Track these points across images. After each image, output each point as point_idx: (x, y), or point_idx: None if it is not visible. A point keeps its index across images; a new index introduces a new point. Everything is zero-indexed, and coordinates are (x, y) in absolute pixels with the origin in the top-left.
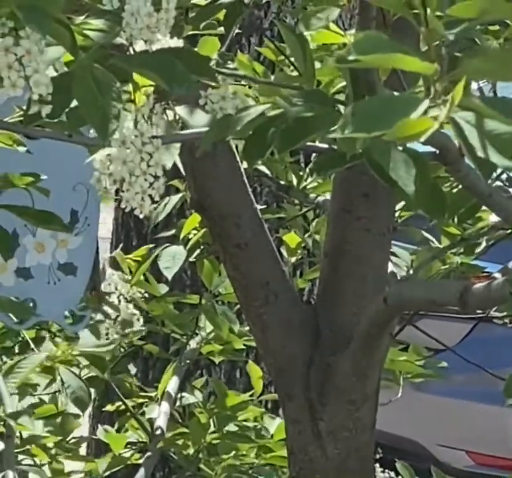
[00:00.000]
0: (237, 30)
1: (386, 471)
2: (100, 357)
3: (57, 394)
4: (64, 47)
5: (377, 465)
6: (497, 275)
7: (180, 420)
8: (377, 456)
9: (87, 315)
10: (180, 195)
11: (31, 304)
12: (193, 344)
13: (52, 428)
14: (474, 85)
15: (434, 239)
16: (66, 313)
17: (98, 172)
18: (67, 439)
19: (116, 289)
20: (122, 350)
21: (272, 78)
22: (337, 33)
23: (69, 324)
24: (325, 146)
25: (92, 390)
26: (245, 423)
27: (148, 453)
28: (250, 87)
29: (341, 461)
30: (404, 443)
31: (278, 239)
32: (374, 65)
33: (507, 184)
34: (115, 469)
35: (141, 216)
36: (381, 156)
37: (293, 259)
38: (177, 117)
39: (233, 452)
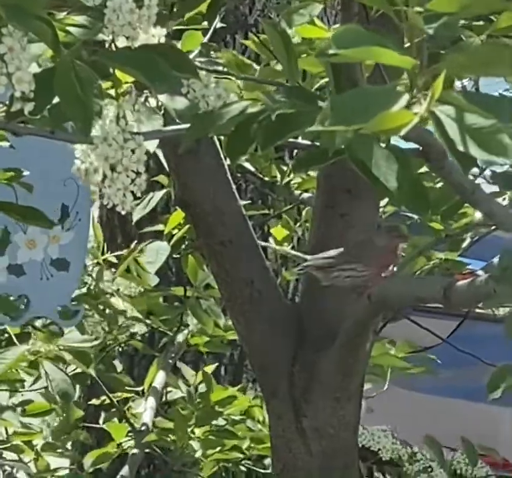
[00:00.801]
0: (222, 25)
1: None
2: (84, 352)
3: (44, 390)
4: (46, 44)
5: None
6: (481, 272)
7: (166, 415)
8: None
9: (80, 309)
10: (163, 191)
11: (25, 300)
12: (179, 338)
13: (44, 424)
14: (458, 83)
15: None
16: (59, 308)
17: (79, 161)
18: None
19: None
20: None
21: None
22: (322, 28)
23: (63, 320)
24: (308, 142)
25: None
26: (233, 417)
27: (134, 450)
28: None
29: (325, 458)
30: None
31: (264, 235)
32: (353, 59)
33: (490, 181)
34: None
35: (123, 213)
36: (363, 152)
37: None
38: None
39: (219, 447)
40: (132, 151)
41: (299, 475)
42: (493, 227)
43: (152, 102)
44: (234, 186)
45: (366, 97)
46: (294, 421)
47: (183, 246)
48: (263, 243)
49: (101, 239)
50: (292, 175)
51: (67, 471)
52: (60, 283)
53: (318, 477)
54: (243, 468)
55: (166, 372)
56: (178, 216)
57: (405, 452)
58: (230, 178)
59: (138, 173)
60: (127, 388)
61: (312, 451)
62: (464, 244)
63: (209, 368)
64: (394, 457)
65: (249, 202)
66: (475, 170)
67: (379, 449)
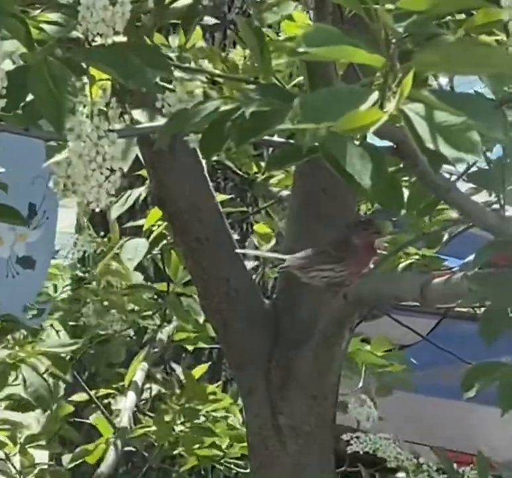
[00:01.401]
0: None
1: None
2: (62, 358)
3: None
4: (19, 41)
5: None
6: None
7: (146, 412)
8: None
9: (47, 308)
10: (142, 188)
11: None
12: (163, 335)
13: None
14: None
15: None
16: (25, 306)
17: (56, 176)
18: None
19: None
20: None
21: None
22: (307, 25)
23: (29, 318)
24: (283, 140)
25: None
26: (214, 414)
27: (112, 448)
28: (214, 83)
29: (301, 456)
30: None
31: (243, 233)
32: (323, 57)
33: (466, 179)
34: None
35: (97, 210)
36: (336, 150)
37: (267, 247)
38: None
39: (198, 445)
40: (106, 148)
41: (275, 473)
42: (470, 224)
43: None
44: (211, 184)
45: (336, 95)
46: (271, 418)
47: (164, 242)
48: (240, 251)
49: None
50: (272, 172)
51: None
52: (26, 281)
53: (294, 475)
54: (219, 466)
55: (147, 368)
56: (156, 212)
57: (412, 463)
58: (207, 175)
59: (112, 170)
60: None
61: (288, 448)
62: (442, 241)
63: (200, 369)
64: (400, 465)
65: (230, 196)
66: (452, 168)
67: (385, 458)
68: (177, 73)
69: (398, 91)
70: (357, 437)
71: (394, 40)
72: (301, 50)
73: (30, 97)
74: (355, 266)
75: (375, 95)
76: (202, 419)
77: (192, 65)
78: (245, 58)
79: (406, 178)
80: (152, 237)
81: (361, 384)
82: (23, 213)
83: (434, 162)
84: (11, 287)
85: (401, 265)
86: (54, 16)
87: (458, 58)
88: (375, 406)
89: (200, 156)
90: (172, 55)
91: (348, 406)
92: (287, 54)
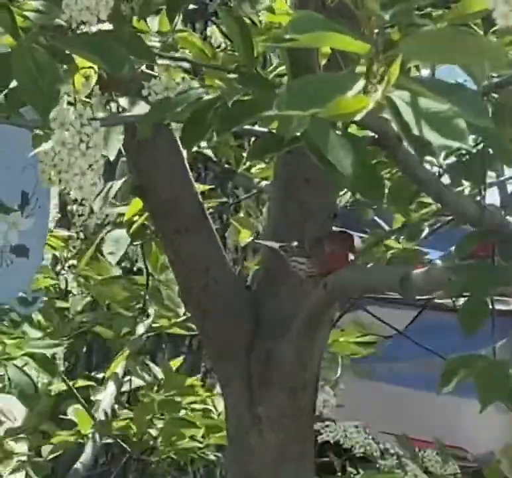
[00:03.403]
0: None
1: None
2: (50, 360)
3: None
4: (4, 29)
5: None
6: (438, 261)
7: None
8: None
9: (39, 296)
10: (122, 180)
11: None
12: (140, 329)
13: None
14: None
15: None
16: (18, 295)
17: (43, 164)
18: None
19: None
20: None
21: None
22: (288, 14)
23: (22, 307)
24: (264, 130)
25: None
26: (193, 405)
27: (90, 439)
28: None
29: (280, 447)
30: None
31: (223, 224)
32: (310, 44)
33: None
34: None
35: (79, 198)
36: (319, 138)
37: (244, 242)
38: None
39: (175, 437)
40: (89, 136)
41: (254, 464)
42: (450, 217)
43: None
44: (191, 174)
45: (322, 82)
46: (250, 410)
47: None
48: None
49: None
50: (253, 162)
51: (25, 458)
52: (20, 269)
53: (273, 466)
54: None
55: (128, 360)
56: (137, 203)
57: (377, 448)
58: (187, 165)
59: (95, 159)
60: (86, 375)
61: (268, 439)
62: (423, 234)
63: (178, 362)
64: (368, 452)
65: (211, 187)
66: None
67: (352, 446)
68: (161, 61)
69: (386, 78)
70: (327, 426)
71: (376, 30)
72: (288, 36)
73: (12, 85)
74: (324, 269)
75: (361, 83)
76: (182, 412)
77: (174, 53)
78: (224, 48)
79: (386, 171)
80: (133, 227)
81: (338, 374)
82: (16, 202)
83: (419, 150)
84: (5, 276)
85: (382, 258)
86: (37, 3)
87: (444, 47)
88: (333, 394)
89: (180, 146)
90: (156, 43)
91: None
92: (273, 41)
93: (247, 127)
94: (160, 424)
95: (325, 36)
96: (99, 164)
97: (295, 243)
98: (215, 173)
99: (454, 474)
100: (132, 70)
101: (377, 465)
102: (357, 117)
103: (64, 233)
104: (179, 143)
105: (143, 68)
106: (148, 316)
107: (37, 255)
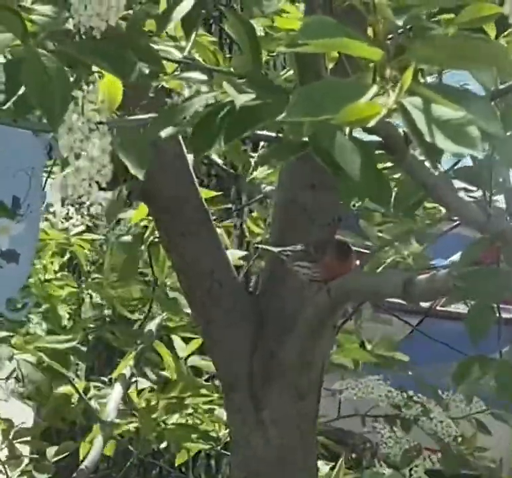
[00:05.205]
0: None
1: None
2: (61, 352)
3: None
4: (14, 34)
5: None
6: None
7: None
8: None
9: (29, 302)
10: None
11: None
12: (152, 326)
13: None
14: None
15: None
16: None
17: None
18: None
19: None
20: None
21: None
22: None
23: (11, 312)
24: (271, 134)
25: None
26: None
27: (95, 441)
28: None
29: (284, 451)
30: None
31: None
32: (322, 49)
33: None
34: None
35: (88, 203)
36: (327, 141)
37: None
38: None
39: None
40: (97, 141)
41: (258, 468)
42: (456, 223)
43: None
44: (198, 180)
45: (334, 88)
46: (254, 413)
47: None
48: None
49: None
50: (258, 168)
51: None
52: (10, 274)
53: (277, 470)
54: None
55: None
56: (142, 209)
57: (401, 398)
58: (192, 170)
59: (103, 164)
60: (92, 377)
61: (271, 443)
62: (430, 239)
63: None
64: (392, 403)
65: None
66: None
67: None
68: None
69: (399, 84)
70: (348, 383)
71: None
72: (300, 41)
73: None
74: (327, 275)
75: (374, 89)
76: (190, 410)
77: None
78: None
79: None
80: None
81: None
82: (7, 206)
83: (431, 157)
84: None
85: (387, 264)
86: (45, 8)
87: (455, 52)
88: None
89: (185, 150)
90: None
91: None
92: (284, 47)
93: (256, 132)
94: (166, 426)
95: (340, 42)
96: (108, 169)
97: (299, 248)
98: (218, 178)
99: (482, 411)
100: (141, 77)
101: (402, 415)
102: (370, 124)
103: (92, 236)
104: (182, 146)
105: (164, 84)
106: (153, 318)
107: (27, 260)
